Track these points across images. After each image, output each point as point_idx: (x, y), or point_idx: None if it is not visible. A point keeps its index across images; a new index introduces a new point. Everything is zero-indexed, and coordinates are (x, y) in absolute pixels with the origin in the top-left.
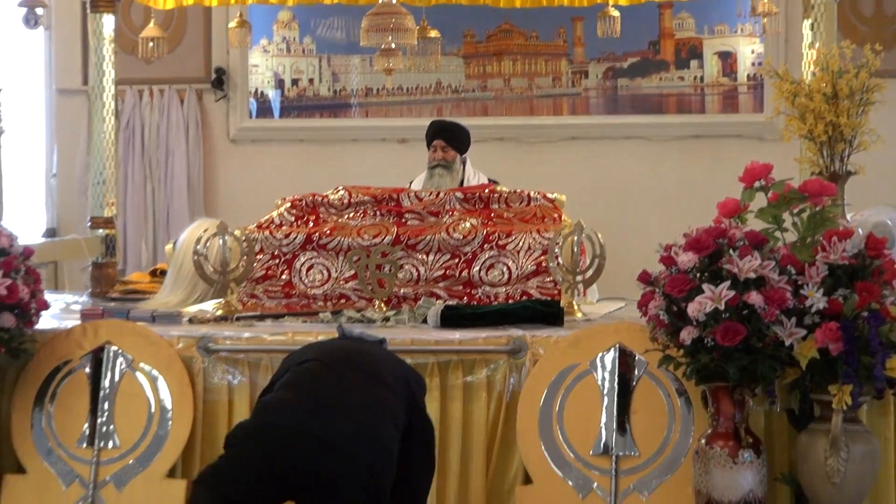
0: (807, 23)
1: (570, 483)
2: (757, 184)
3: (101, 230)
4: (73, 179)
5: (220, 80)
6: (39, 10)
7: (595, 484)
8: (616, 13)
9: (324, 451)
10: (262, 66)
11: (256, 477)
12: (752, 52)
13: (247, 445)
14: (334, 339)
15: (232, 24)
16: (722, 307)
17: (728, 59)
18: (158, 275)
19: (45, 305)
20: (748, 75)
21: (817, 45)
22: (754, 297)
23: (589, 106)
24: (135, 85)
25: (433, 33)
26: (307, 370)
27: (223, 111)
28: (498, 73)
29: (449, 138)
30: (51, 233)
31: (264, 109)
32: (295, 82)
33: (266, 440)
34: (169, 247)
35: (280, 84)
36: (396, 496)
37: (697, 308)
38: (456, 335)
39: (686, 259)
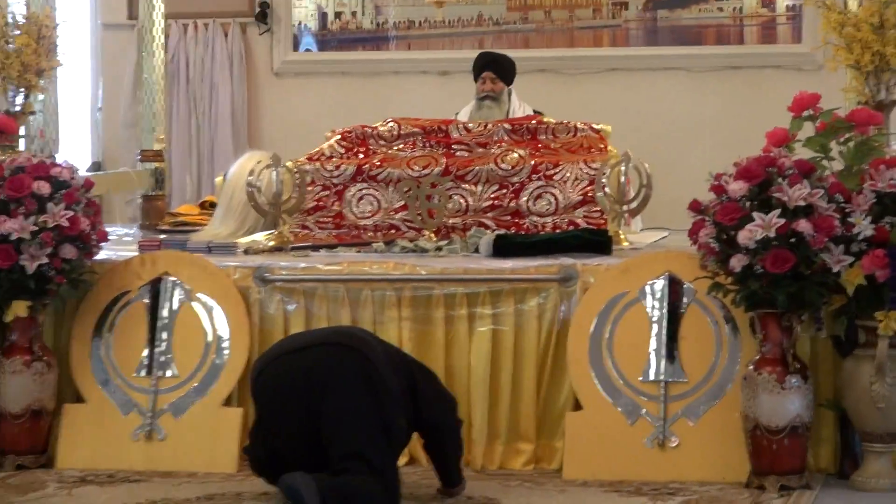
0: None
1: (619, 409)
2: (805, 113)
3: (150, 163)
4: (117, 113)
5: (263, 14)
6: None
7: (644, 410)
8: None
9: (314, 356)
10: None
11: (275, 418)
12: None
13: (256, 405)
14: None
15: None
16: (772, 234)
17: None
18: (207, 207)
19: (106, 237)
20: (787, 6)
21: None
22: (803, 225)
23: (629, 37)
24: (179, 19)
25: None
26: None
27: (267, 45)
28: (539, 4)
29: (498, 70)
30: (96, 166)
31: (308, 42)
32: (338, 15)
33: (261, 383)
34: (219, 179)
35: (323, 17)
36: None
37: (748, 235)
38: (508, 264)
39: (736, 187)
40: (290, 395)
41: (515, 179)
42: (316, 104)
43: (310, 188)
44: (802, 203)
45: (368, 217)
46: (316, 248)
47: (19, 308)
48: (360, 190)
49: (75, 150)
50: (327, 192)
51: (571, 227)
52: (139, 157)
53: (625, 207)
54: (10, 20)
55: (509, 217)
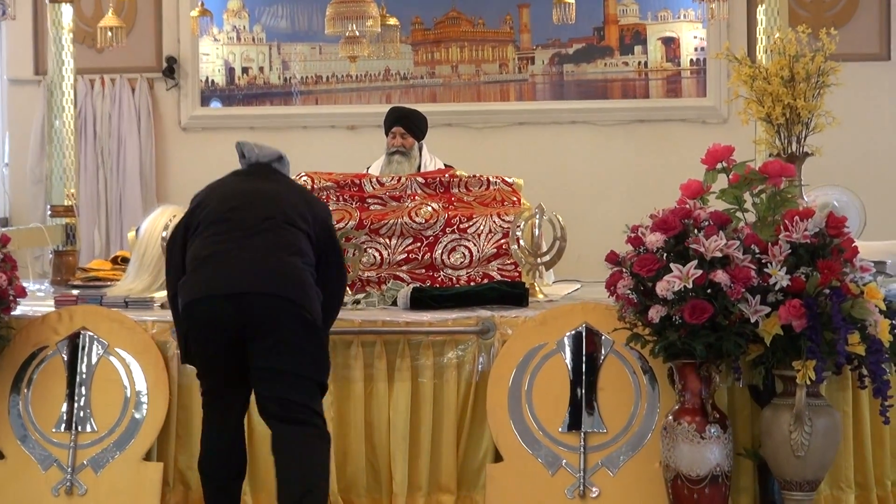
0: (761, 8)
1: (539, 460)
2: (719, 165)
3: (61, 218)
4: (24, 169)
5: (171, 69)
6: (8, 1)
7: (564, 461)
8: (571, 0)
9: (250, 300)
10: (212, 55)
11: (204, 345)
12: (695, 37)
13: (181, 327)
14: (234, 177)
15: (194, 13)
16: (690, 286)
17: (671, 45)
18: (119, 262)
19: (24, 293)
20: (691, 60)
21: (765, 27)
22: (720, 276)
23: (535, 91)
24: (86, 74)
25: (392, 21)
26: (214, 244)
27: (174, 99)
28: (446, 59)
29: (408, 125)
30: (3, 222)
31: (215, 97)
32: (245, 70)
33: (194, 316)
34: (132, 234)
35: (230, 72)
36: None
37: (666, 287)
38: (426, 316)
39: (654, 239)
40: (221, 338)
41: (429, 233)
42: (224, 159)
43: None
44: (719, 254)
45: None
46: None
47: None
48: None
49: None
50: None
51: (486, 280)
52: (49, 212)
53: (539, 260)
54: None
55: (424, 270)
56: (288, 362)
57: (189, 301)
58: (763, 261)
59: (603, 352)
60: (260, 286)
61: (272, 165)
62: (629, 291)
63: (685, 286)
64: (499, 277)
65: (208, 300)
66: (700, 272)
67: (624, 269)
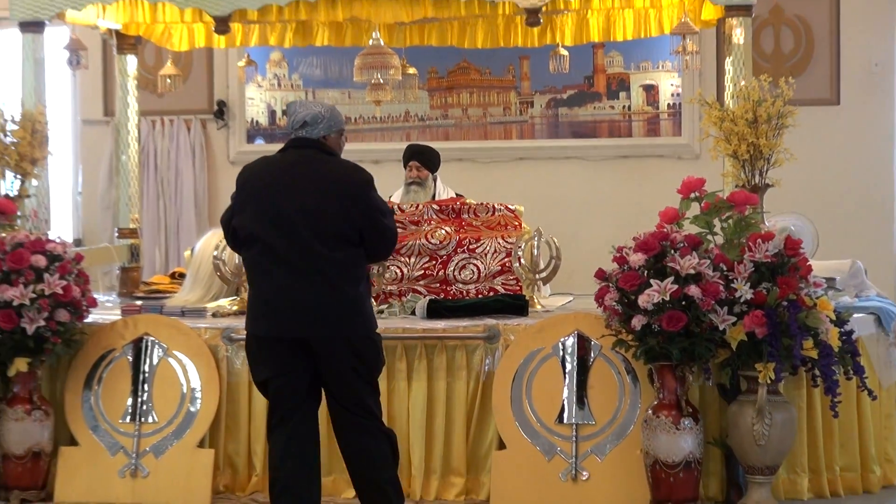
0: (728, 60)
1: (537, 448)
2: (692, 195)
3: (127, 239)
4: (95, 196)
5: (221, 112)
6: (82, 52)
7: (559, 448)
8: (565, 53)
9: (314, 342)
10: (256, 99)
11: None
12: (672, 84)
13: (250, 351)
14: (269, 177)
15: (240, 63)
16: (667, 298)
17: (651, 91)
18: (177, 277)
19: (95, 303)
20: (668, 104)
21: (732, 76)
22: (693, 290)
23: (534, 131)
24: (148, 115)
25: (411, 70)
26: (275, 280)
27: (224, 137)
28: (457, 103)
29: (423, 160)
30: (77, 243)
31: (259, 135)
32: (285, 112)
33: (264, 351)
34: (187, 253)
35: (272, 114)
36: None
37: (646, 299)
38: (440, 324)
39: (636, 258)
40: (292, 366)
41: (443, 252)
42: None
43: None
44: (692, 271)
45: None
46: None
47: (20, 364)
48: None
49: (59, 228)
50: None
51: (492, 293)
52: (117, 234)
53: (537, 276)
54: (7, 117)
55: (438, 284)
56: (349, 371)
57: (257, 335)
58: (730, 277)
59: (592, 355)
60: (322, 331)
61: (305, 137)
62: (615, 303)
63: (663, 299)
64: (503, 291)
65: (277, 341)
66: (676, 287)
67: (610, 284)
